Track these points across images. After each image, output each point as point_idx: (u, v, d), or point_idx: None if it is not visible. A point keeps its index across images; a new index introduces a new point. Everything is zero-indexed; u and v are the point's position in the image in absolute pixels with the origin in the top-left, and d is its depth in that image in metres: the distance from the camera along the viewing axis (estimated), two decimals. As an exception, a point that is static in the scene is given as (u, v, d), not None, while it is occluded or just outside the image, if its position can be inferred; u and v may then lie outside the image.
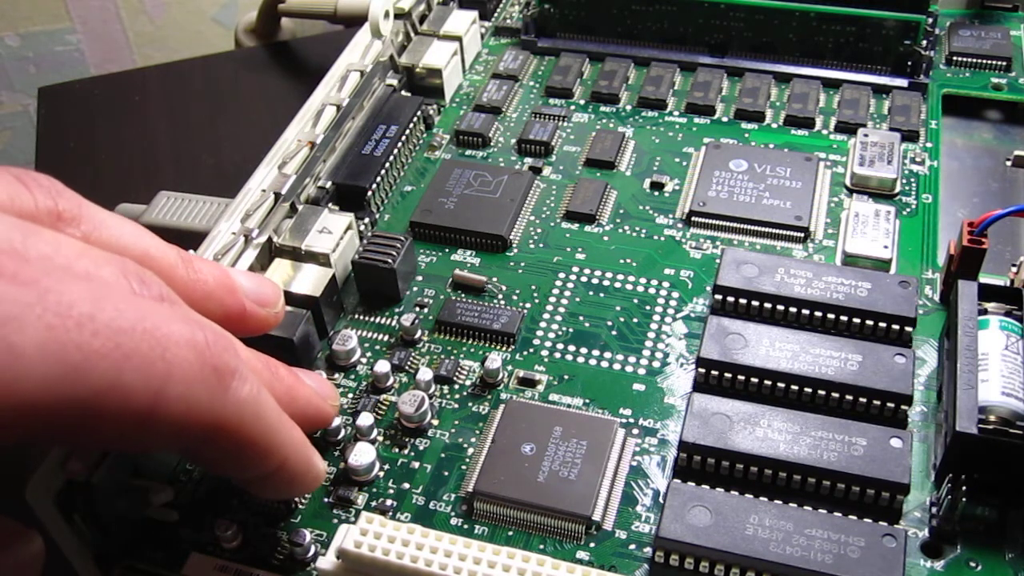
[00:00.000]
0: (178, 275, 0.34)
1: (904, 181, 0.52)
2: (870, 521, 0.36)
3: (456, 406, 0.43)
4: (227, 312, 0.36)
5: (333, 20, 0.74)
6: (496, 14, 0.66)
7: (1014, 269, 0.45)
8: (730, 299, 0.44)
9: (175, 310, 0.29)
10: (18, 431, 0.26)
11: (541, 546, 0.38)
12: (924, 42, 0.57)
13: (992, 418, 0.37)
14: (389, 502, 0.40)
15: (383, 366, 0.44)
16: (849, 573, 0.34)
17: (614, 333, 0.45)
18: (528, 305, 0.47)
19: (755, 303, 0.44)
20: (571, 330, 0.46)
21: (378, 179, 0.52)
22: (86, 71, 1.23)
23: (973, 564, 0.36)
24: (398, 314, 0.47)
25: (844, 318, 0.43)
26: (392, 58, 0.59)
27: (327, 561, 0.36)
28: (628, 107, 0.58)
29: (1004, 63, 0.58)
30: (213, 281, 0.36)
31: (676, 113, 0.58)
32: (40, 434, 0.27)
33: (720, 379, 0.42)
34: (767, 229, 0.49)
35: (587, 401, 0.43)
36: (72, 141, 0.72)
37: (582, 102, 0.59)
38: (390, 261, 0.46)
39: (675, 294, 0.47)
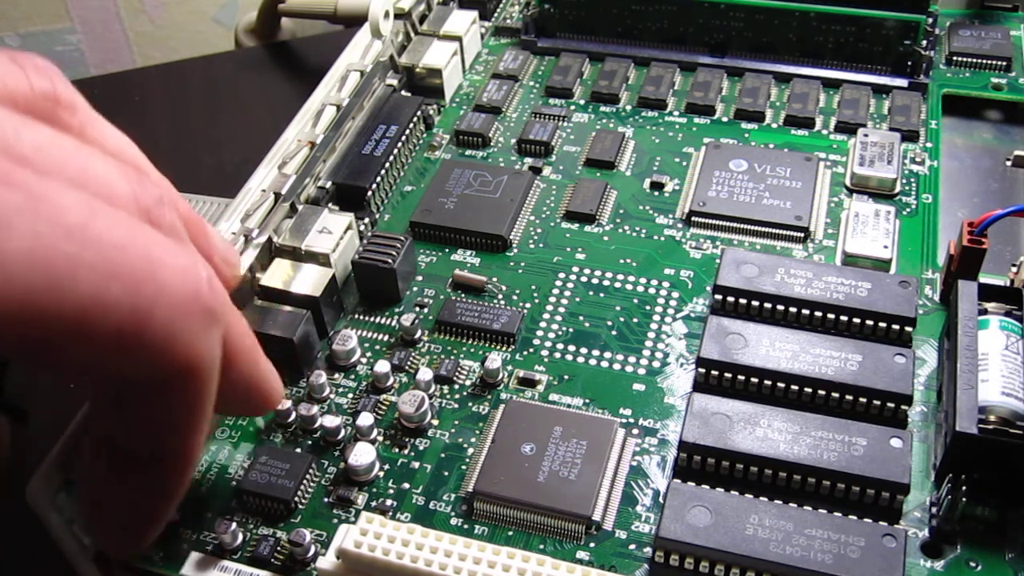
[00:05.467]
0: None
1: (904, 181, 0.52)
2: (870, 521, 0.36)
3: (456, 406, 0.43)
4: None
5: (333, 20, 0.74)
6: (496, 14, 0.66)
7: (1014, 269, 0.45)
8: (730, 299, 0.44)
9: (173, 240, 0.28)
10: None
11: (541, 546, 0.38)
12: (924, 42, 0.57)
13: (992, 418, 0.37)
14: (389, 502, 0.40)
15: (383, 366, 0.44)
16: (849, 573, 0.34)
17: (614, 333, 0.45)
18: (528, 305, 0.47)
19: (755, 303, 0.44)
20: (571, 330, 0.46)
21: (378, 179, 0.52)
22: (86, 71, 1.23)
23: (973, 564, 0.36)
24: (398, 314, 0.47)
25: (844, 318, 0.43)
26: (392, 58, 0.59)
27: (327, 561, 0.36)
28: (628, 107, 0.58)
29: (1004, 63, 0.58)
30: (191, 219, 0.35)
31: (676, 113, 0.58)
32: (19, 346, 0.26)
33: (720, 379, 0.42)
34: (767, 229, 0.49)
35: (587, 401, 0.43)
36: (72, 141, 0.72)
37: (582, 102, 0.59)
38: (390, 261, 0.46)
39: (675, 294, 0.47)
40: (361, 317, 0.47)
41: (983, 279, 0.43)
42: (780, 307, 0.43)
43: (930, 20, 0.57)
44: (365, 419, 0.42)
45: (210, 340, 0.29)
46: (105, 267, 0.25)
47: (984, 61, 0.59)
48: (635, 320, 0.46)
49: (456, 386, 0.44)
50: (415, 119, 0.56)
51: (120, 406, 0.29)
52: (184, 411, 0.30)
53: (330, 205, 0.51)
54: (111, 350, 0.26)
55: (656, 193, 0.53)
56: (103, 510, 0.32)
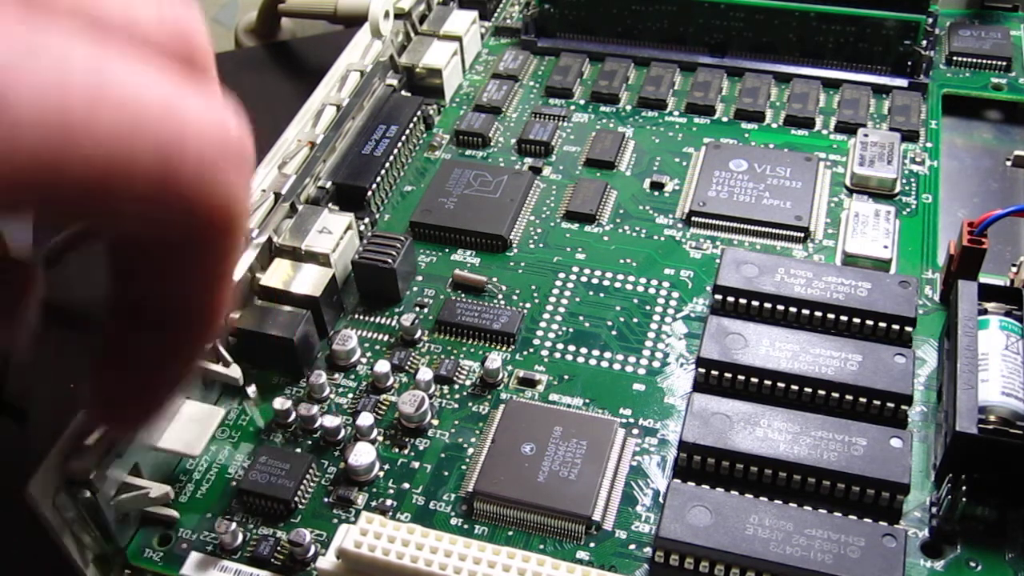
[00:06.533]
0: None
1: (904, 181, 0.52)
2: (870, 521, 0.36)
3: (456, 406, 0.43)
4: None
5: (333, 20, 0.74)
6: (496, 14, 0.66)
7: (1014, 269, 0.45)
8: (730, 299, 0.44)
9: (199, 80, 0.26)
10: (17, 197, 0.23)
11: (541, 546, 0.38)
12: (924, 42, 0.57)
13: (992, 418, 0.37)
14: (389, 502, 0.40)
15: (383, 366, 0.44)
16: (849, 573, 0.34)
17: (614, 333, 0.45)
18: (528, 305, 0.47)
19: (755, 303, 0.44)
20: (571, 330, 0.46)
21: (378, 179, 0.52)
22: (86, 71, 1.23)
23: (973, 564, 0.36)
24: (398, 314, 0.47)
25: (844, 318, 0.43)
26: (392, 58, 0.59)
27: (327, 561, 0.36)
28: (628, 107, 0.58)
29: (1004, 63, 0.58)
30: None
31: (676, 113, 0.58)
32: (41, 203, 0.24)
33: (720, 379, 0.42)
34: (767, 229, 0.49)
35: (587, 401, 0.43)
36: (72, 141, 0.72)
37: (582, 102, 0.59)
38: (390, 261, 0.46)
39: (675, 294, 0.47)
40: (361, 317, 0.47)
41: (983, 279, 0.43)
42: (780, 307, 0.43)
43: (930, 20, 0.57)
44: (365, 419, 0.42)
45: (243, 180, 0.27)
46: (128, 112, 0.24)
47: (984, 61, 0.59)
48: (635, 320, 0.46)
49: (456, 386, 0.44)
50: (415, 119, 0.56)
51: (146, 263, 0.27)
52: (216, 262, 0.28)
53: (330, 205, 0.51)
54: (142, 200, 0.25)
55: (656, 193, 0.53)
56: (115, 377, 0.29)
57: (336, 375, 0.45)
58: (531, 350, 0.45)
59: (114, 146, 0.24)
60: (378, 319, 0.47)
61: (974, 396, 0.37)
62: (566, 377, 0.44)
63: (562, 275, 0.48)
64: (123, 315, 0.29)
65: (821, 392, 0.40)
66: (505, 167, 0.54)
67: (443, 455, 0.41)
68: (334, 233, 0.47)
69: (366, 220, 0.51)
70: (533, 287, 0.48)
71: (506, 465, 0.39)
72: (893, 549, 0.35)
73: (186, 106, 0.25)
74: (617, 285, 0.48)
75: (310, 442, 0.42)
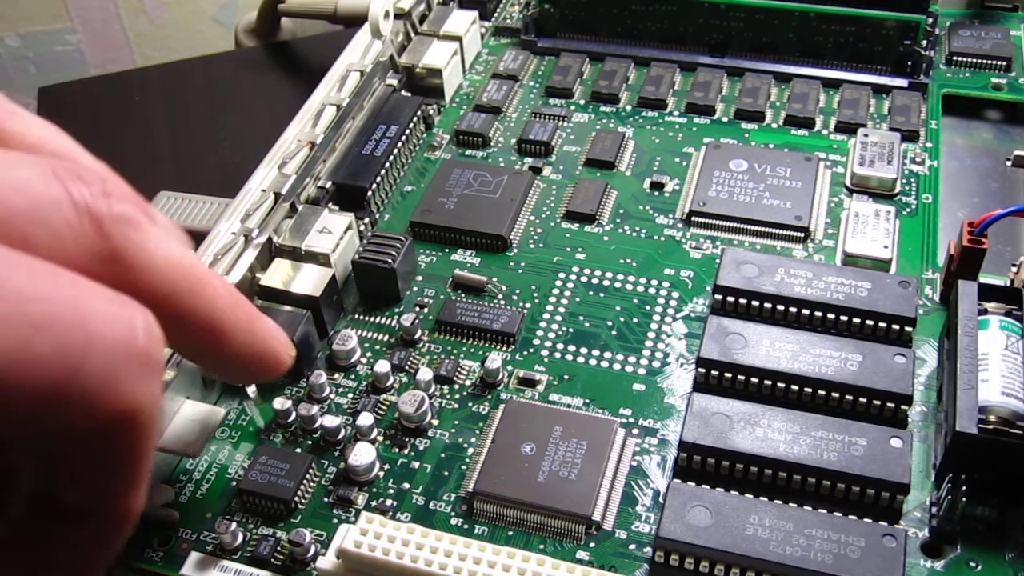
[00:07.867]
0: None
1: (904, 181, 0.52)
2: (870, 521, 0.36)
3: (456, 406, 0.43)
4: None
5: (333, 20, 0.74)
6: (496, 14, 0.66)
7: (1014, 269, 0.45)
8: (730, 299, 0.44)
9: (100, 288, 0.26)
10: None
11: (541, 546, 0.38)
12: (924, 42, 0.57)
13: (992, 418, 0.37)
14: (389, 502, 0.40)
15: (383, 366, 0.44)
16: (849, 573, 0.34)
17: (614, 333, 0.45)
18: (528, 305, 0.47)
19: (755, 303, 0.44)
20: (571, 330, 0.46)
21: (378, 179, 0.52)
22: (86, 71, 1.23)
23: (973, 564, 0.36)
24: (398, 314, 0.47)
25: (844, 318, 0.43)
26: (392, 58, 0.59)
27: (327, 561, 0.36)
28: (628, 107, 0.58)
29: (1004, 63, 0.58)
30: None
31: (676, 113, 0.58)
32: None
33: (720, 379, 0.42)
34: (767, 229, 0.49)
35: (587, 401, 0.43)
36: (72, 141, 0.72)
37: (582, 102, 0.59)
38: (390, 261, 0.46)
39: (675, 294, 0.47)
40: (361, 317, 0.47)
41: (983, 279, 0.43)
42: (780, 307, 0.43)
43: (930, 20, 0.57)
44: (365, 419, 0.42)
45: (149, 387, 0.27)
46: (26, 321, 0.24)
47: (984, 61, 0.59)
48: (635, 320, 0.46)
49: (456, 386, 0.44)
50: (415, 119, 0.56)
51: (55, 462, 0.27)
52: (123, 462, 0.28)
53: (330, 205, 0.51)
54: (42, 404, 0.25)
55: (656, 193, 0.53)
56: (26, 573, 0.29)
57: (336, 375, 0.45)
58: (531, 350, 0.45)
59: (14, 348, 0.23)
60: (378, 319, 0.47)
61: (974, 396, 0.37)
62: (566, 377, 0.44)
63: (562, 275, 0.48)
64: (34, 514, 0.28)
65: (821, 392, 0.40)
66: (505, 167, 0.54)
67: (443, 455, 0.41)
68: (334, 233, 0.47)
69: (366, 220, 0.51)
70: (533, 287, 0.48)
71: (506, 465, 0.39)
72: (893, 549, 0.35)
73: (92, 308, 0.25)
74: (617, 285, 0.48)
75: (310, 442, 0.42)
